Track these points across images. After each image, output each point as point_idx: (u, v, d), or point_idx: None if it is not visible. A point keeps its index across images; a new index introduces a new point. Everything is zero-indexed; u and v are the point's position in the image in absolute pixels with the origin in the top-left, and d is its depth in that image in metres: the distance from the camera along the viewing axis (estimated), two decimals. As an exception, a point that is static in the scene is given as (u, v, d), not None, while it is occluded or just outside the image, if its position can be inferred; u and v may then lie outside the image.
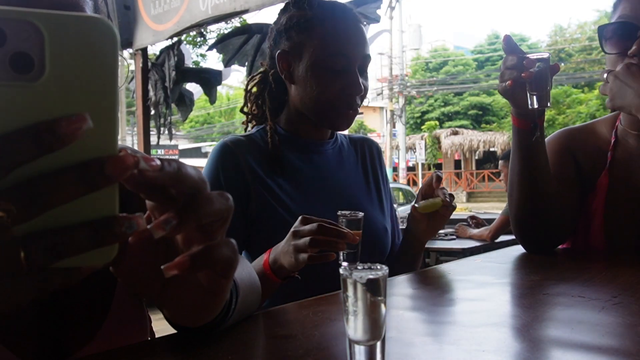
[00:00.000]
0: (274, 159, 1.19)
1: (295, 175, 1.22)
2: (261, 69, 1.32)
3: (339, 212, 1.03)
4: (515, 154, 1.16)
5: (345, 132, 1.37)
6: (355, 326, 0.50)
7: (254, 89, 1.31)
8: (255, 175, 1.15)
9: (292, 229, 0.97)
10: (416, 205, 1.15)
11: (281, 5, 1.31)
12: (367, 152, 1.37)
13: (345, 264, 1.00)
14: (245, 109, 1.34)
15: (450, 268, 1.13)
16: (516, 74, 1.03)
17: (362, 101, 1.23)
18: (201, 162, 27.94)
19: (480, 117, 27.43)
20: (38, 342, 0.70)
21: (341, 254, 1.00)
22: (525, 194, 1.17)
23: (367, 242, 1.20)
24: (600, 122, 1.32)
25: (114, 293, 0.77)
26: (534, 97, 1.04)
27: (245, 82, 1.35)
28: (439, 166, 26.31)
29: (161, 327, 0.87)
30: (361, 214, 1.03)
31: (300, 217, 0.98)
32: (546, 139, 1.34)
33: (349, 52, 1.17)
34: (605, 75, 1.09)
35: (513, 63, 1.04)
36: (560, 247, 1.30)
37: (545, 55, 1.04)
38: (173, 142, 22.53)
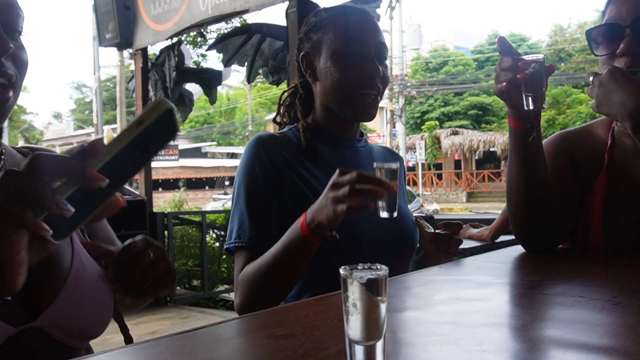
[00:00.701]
0: (308, 150, 1.24)
1: (327, 167, 1.24)
2: (293, 84, 1.41)
3: (375, 164, 1.03)
4: (513, 155, 1.16)
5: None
6: (355, 326, 0.50)
7: (287, 101, 1.38)
8: (289, 165, 1.20)
9: (330, 182, 0.98)
10: (420, 220, 1.33)
11: (281, 5, 1.35)
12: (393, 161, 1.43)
13: (385, 214, 1.01)
14: (278, 119, 1.40)
15: (450, 268, 1.13)
16: (511, 75, 1.03)
17: (383, 88, 1.27)
18: (201, 162, 27.95)
19: (480, 117, 27.41)
20: (15, 305, 0.75)
21: (380, 205, 1.01)
22: (523, 194, 1.17)
23: (399, 235, 1.26)
24: (597, 123, 1.33)
25: (72, 256, 0.84)
26: (529, 98, 1.03)
27: (279, 95, 1.43)
28: (439, 166, 26.31)
29: (140, 332, 0.89)
30: (396, 165, 1.03)
31: (337, 170, 0.99)
32: (543, 142, 1.35)
33: (361, 38, 1.23)
34: (591, 79, 1.09)
35: (508, 65, 1.04)
36: (560, 247, 1.30)
37: (541, 56, 1.03)
38: (173, 142, 22.51)
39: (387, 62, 1.33)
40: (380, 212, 1.02)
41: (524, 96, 1.03)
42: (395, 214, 1.03)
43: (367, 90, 1.23)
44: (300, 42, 1.32)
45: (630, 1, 1.11)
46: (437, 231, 1.30)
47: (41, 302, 0.78)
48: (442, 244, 1.28)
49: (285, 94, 1.39)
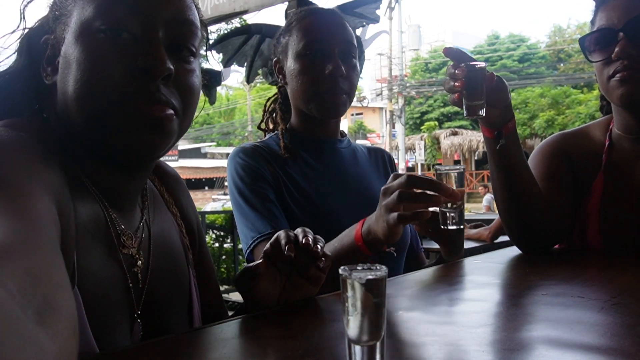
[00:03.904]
0: (286, 151, 1.25)
1: (309, 172, 1.25)
2: (276, 90, 1.42)
3: (436, 167, 0.94)
4: (490, 160, 1.17)
5: (363, 143, 1.46)
6: (354, 326, 0.50)
7: (271, 106, 1.40)
8: (272, 170, 1.22)
9: (382, 188, 0.91)
10: None
11: (280, 6, 1.37)
12: (379, 158, 1.43)
13: (453, 227, 0.91)
14: (263, 126, 1.42)
15: (450, 268, 1.13)
16: (452, 83, 1.01)
17: (350, 85, 1.26)
18: (201, 163, 27.95)
19: (480, 118, 27.33)
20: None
21: (448, 217, 0.90)
22: (507, 199, 1.18)
23: None
24: (594, 125, 1.33)
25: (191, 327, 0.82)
26: (464, 106, 1.01)
27: (265, 102, 1.44)
28: (438, 167, 26.24)
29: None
30: (462, 167, 0.94)
31: (392, 175, 0.91)
32: (540, 143, 1.36)
33: (324, 37, 1.23)
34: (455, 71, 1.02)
35: (450, 72, 1.02)
36: (556, 247, 1.30)
37: (482, 64, 1.00)
38: (172, 143, 22.47)
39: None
40: (448, 224, 0.90)
41: (464, 104, 1.00)
42: (462, 227, 0.92)
43: (328, 89, 1.23)
44: (274, 47, 1.35)
45: (619, 7, 1.13)
46: None
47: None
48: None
49: (269, 101, 1.41)
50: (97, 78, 0.64)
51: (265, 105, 1.42)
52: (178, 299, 0.81)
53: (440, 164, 1.11)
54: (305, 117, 1.30)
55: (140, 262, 0.73)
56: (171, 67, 0.66)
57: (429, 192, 0.86)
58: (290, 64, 1.26)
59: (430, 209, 0.89)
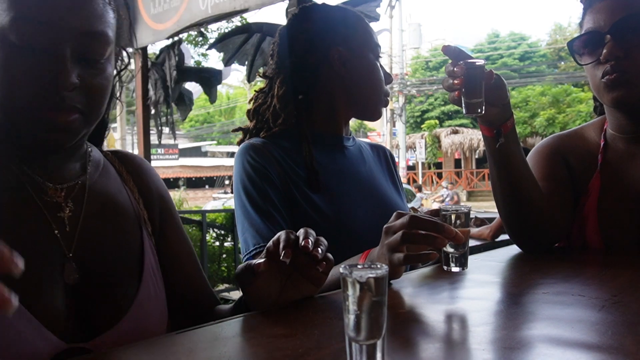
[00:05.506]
0: (310, 177, 1.19)
1: (321, 170, 1.22)
2: (262, 86, 1.35)
3: (441, 207, 0.94)
4: (489, 159, 1.16)
5: (363, 139, 1.47)
6: (355, 325, 0.50)
7: (269, 102, 1.30)
8: (282, 172, 1.18)
9: (385, 226, 0.90)
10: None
11: (280, 4, 1.35)
12: (382, 155, 1.44)
13: (456, 269, 0.92)
14: (250, 123, 1.33)
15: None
16: (451, 81, 1.00)
17: None
18: (201, 161, 27.96)
19: (481, 116, 27.28)
20: (70, 322, 0.75)
21: (451, 257, 0.90)
22: (506, 198, 1.18)
23: None
24: (588, 126, 1.34)
25: (139, 287, 0.83)
26: (464, 104, 0.99)
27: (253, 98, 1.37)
28: (439, 165, 26.29)
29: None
30: (468, 208, 0.93)
31: (395, 213, 0.91)
32: (537, 145, 1.36)
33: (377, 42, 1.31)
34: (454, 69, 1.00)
35: (448, 70, 1.01)
36: (556, 246, 1.30)
37: (480, 61, 0.98)
38: (173, 142, 22.51)
39: (387, 60, 1.38)
40: (452, 267, 0.91)
41: (463, 101, 0.99)
42: (466, 268, 0.92)
43: (386, 96, 1.31)
44: (324, 35, 1.25)
45: (606, 9, 1.14)
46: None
47: (98, 325, 0.77)
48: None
49: (261, 97, 1.30)
50: (10, 86, 0.72)
51: (259, 104, 1.32)
52: (121, 251, 0.84)
53: (441, 162, 1.11)
54: (337, 114, 1.29)
55: (68, 209, 0.80)
56: (75, 80, 0.72)
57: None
58: (363, 59, 1.27)
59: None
